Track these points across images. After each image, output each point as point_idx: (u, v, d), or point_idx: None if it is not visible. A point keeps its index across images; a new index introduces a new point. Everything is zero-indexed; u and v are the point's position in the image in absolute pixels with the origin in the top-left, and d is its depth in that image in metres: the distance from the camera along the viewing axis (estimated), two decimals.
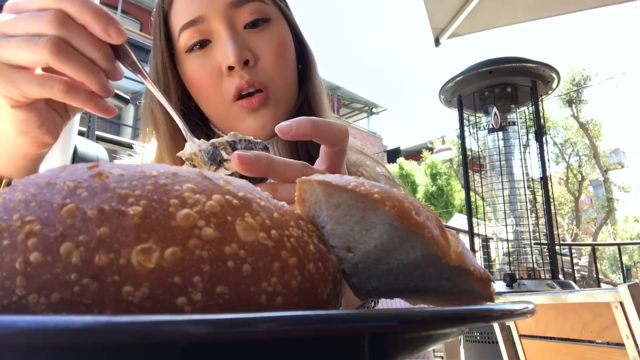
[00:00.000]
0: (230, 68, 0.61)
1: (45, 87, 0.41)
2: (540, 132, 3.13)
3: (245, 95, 0.62)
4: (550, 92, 3.32)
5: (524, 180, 3.20)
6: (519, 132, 3.26)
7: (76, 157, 1.33)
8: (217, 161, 0.40)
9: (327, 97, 0.75)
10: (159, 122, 0.66)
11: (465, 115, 3.39)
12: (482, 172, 3.42)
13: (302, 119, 0.39)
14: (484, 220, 3.49)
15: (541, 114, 3.15)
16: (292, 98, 0.69)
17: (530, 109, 3.23)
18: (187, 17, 0.62)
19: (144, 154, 0.72)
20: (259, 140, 0.42)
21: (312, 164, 0.43)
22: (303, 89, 0.71)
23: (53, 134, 0.46)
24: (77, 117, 1.21)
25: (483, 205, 3.56)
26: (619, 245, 7.53)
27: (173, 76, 0.66)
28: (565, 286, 2.83)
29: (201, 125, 0.69)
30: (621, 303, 1.18)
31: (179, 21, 0.63)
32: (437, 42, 3.07)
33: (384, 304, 0.63)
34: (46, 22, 0.39)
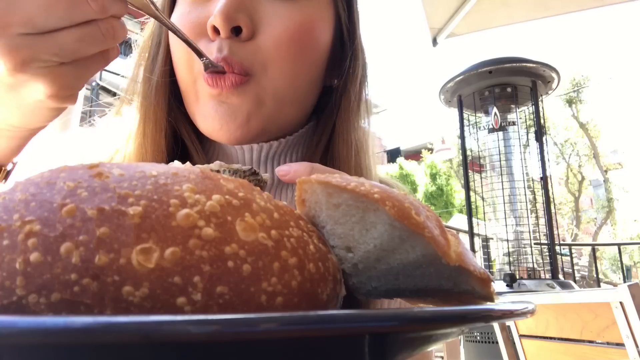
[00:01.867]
0: (216, 31, 0.45)
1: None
2: (540, 132, 3.14)
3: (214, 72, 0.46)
4: (550, 92, 3.32)
5: (524, 180, 3.20)
6: (519, 132, 3.26)
7: None
8: None
9: (373, 143, 0.54)
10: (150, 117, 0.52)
11: (465, 115, 3.39)
12: (482, 172, 3.42)
13: (303, 164, 0.35)
14: (484, 220, 3.49)
15: (541, 114, 3.15)
16: (293, 113, 0.51)
17: (530, 109, 3.23)
18: None
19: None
20: (246, 168, 0.34)
21: None
22: (329, 115, 0.53)
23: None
24: (77, 116, 1.21)
25: (483, 205, 3.56)
26: (619, 245, 7.52)
27: (164, 40, 0.53)
28: (565, 286, 2.83)
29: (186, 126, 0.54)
30: (621, 303, 1.18)
31: None
32: (434, 42, 3.07)
33: (384, 304, 0.62)
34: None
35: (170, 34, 0.50)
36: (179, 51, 0.49)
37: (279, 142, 0.53)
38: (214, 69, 0.45)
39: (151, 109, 0.51)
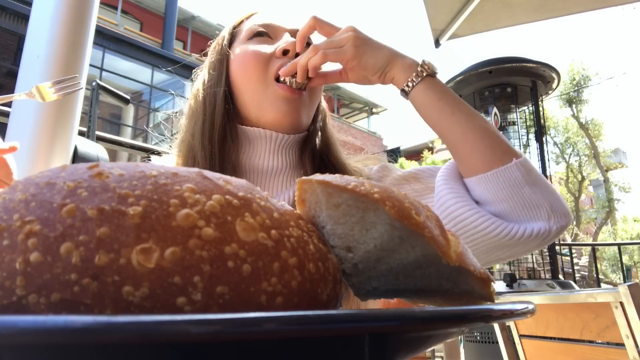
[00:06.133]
0: (285, 52, 0.69)
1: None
2: (540, 132, 3.13)
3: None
4: (550, 92, 3.32)
5: None
6: (519, 132, 3.26)
7: (76, 157, 1.33)
8: None
9: (339, 143, 0.85)
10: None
11: None
12: None
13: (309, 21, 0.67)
14: None
15: (541, 114, 3.15)
16: (310, 116, 0.76)
17: (530, 109, 3.23)
18: (260, 22, 0.73)
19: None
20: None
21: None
22: (316, 126, 0.79)
23: None
24: (77, 117, 1.21)
25: None
26: (619, 245, 7.52)
27: (225, 68, 0.73)
28: (565, 286, 2.83)
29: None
30: (621, 303, 1.18)
31: (252, 23, 0.74)
32: (437, 44, 3.07)
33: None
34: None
35: (236, 58, 0.74)
36: (252, 67, 0.70)
37: (289, 136, 0.74)
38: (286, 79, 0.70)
39: (208, 119, 0.72)
